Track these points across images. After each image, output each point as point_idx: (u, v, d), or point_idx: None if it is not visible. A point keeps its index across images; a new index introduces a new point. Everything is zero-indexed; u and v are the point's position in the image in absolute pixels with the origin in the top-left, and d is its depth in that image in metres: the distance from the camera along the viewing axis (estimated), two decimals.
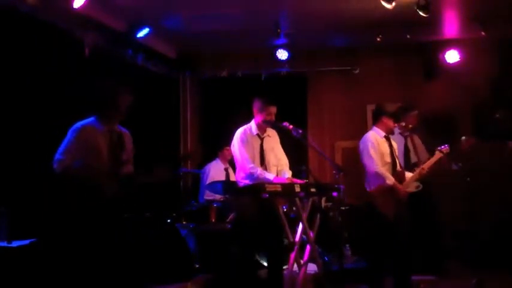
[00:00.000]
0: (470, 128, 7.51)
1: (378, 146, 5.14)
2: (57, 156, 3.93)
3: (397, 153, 5.30)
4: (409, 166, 5.64)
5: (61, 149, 3.95)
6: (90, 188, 3.86)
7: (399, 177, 5.11)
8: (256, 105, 5.13)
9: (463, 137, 5.47)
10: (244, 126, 5.20)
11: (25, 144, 4.85)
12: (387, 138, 5.24)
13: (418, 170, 5.19)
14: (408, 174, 5.20)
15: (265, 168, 5.04)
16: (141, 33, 6.46)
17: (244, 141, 5.07)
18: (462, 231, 6.87)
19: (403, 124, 5.68)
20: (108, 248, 3.85)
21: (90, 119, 4.07)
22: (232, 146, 5.18)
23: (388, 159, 5.15)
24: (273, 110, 5.06)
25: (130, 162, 4.18)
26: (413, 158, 5.96)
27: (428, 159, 5.32)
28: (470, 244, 6.60)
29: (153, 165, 4.09)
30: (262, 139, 5.15)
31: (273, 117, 5.06)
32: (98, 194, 3.87)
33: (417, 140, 6.16)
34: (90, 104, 4.14)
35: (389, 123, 5.22)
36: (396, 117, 5.26)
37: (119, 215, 4.02)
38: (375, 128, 5.28)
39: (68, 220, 3.92)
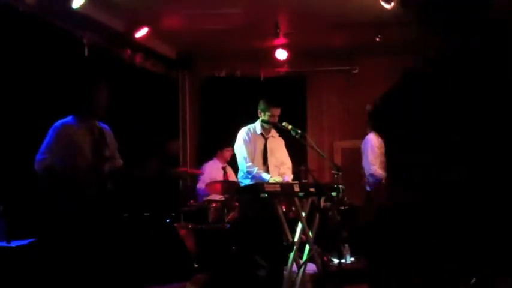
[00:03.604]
0: None
1: (379, 146, 5.15)
2: (37, 156, 3.80)
3: None
4: None
5: (41, 148, 3.82)
6: (74, 188, 3.74)
7: None
8: (261, 106, 5.13)
9: None
10: (249, 126, 5.21)
11: (24, 144, 4.83)
12: None
13: None
14: None
15: (267, 169, 5.05)
16: (140, 33, 6.46)
17: (246, 140, 5.08)
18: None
19: None
20: (104, 248, 3.79)
21: (69, 117, 3.94)
22: (235, 145, 5.19)
23: None
24: (276, 111, 5.05)
25: (115, 158, 4.08)
26: None
27: None
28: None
29: (145, 160, 4.00)
30: (266, 139, 5.15)
31: (276, 119, 5.05)
32: (82, 194, 3.76)
33: None
34: (67, 102, 4.04)
35: None
36: None
37: (111, 213, 3.93)
38: None
39: (59, 220, 3.82)
